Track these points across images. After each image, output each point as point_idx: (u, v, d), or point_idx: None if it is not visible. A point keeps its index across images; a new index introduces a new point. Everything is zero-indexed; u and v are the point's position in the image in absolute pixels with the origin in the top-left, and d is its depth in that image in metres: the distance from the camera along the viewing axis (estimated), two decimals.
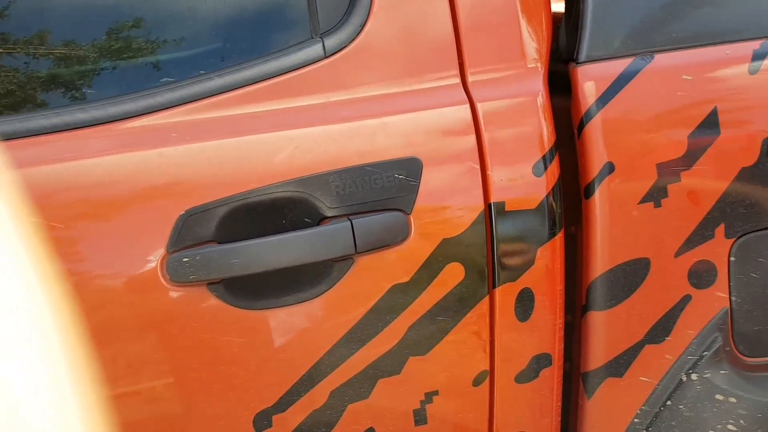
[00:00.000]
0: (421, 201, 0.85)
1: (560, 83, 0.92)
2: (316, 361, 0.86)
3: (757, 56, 0.91)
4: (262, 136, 0.82)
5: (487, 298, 0.89)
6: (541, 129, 0.87)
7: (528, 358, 0.93)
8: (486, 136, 0.86)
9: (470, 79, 0.88)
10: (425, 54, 0.87)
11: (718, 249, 0.93)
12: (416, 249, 0.85)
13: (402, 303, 0.86)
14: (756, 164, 0.92)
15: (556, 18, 0.94)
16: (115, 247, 0.79)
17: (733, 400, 0.98)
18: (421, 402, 0.91)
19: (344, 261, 0.84)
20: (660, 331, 0.95)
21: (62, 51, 0.85)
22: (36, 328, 0.33)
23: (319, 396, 0.87)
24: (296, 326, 0.85)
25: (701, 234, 0.92)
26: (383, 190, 0.83)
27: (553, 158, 0.88)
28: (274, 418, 0.86)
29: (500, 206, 0.87)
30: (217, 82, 0.82)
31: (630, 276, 0.92)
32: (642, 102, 0.89)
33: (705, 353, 0.97)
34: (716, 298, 0.95)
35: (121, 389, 0.81)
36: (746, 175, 0.92)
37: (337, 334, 0.86)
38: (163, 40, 0.86)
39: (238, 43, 0.86)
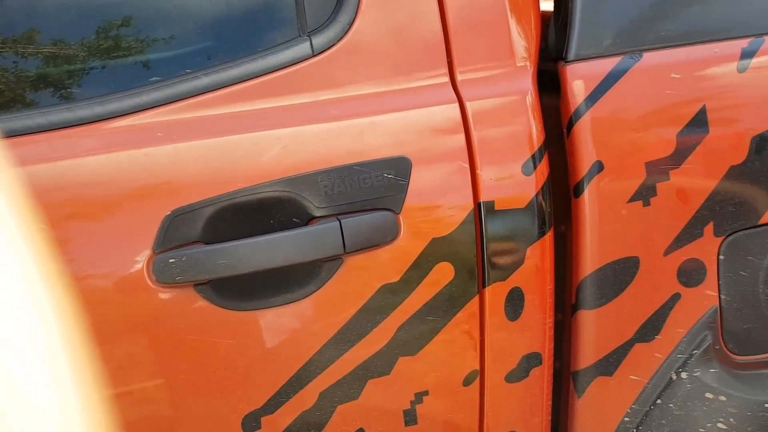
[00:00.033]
0: (411, 200, 0.84)
1: (549, 82, 0.92)
2: (305, 362, 0.85)
3: (746, 54, 0.91)
4: (250, 136, 0.81)
5: (476, 298, 0.89)
6: (531, 128, 0.87)
7: (518, 358, 0.93)
8: (475, 135, 0.86)
9: (459, 77, 0.87)
10: (414, 53, 0.86)
11: (707, 247, 0.93)
12: (406, 249, 0.85)
13: (391, 303, 0.86)
14: (745, 162, 0.92)
15: (545, 17, 0.93)
16: (100, 248, 0.78)
17: (722, 398, 0.98)
18: (411, 402, 0.91)
19: (333, 261, 0.83)
20: (649, 329, 0.95)
21: (47, 50, 0.84)
22: (30, 327, 0.32)
23: (308, 397, 0.86)
24: (285, 327, 0.84)
25: (690, 232, 0.92)
26: (372, 190, 0.83)
27: (542, 157, 0.88)
28: (263, 419, 0.85)
29: (490, 205, 0.86)
30: (204, 80, 0.81)
31: (619, 275, 0.92)
32: (631, 101, 0.89)
33: (695, 352, 0.97)
34: (705, 297, 0.95)
35: (107, 391, 0.80)
36: (735, 173, 0.92)
37: (327, 334, 0.85)
38: (149, 39, 0.85)
39: (225, 41, 0.85)
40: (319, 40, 0.84)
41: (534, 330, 0.92)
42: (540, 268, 0.90)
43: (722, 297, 0.96)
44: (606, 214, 0.90)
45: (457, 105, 0.86)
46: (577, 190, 0.90)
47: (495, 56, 0.88)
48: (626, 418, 0.99)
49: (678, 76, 0.90)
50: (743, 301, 0.96)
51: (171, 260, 0.77)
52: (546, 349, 0.94)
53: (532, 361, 0.93)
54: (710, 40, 0.92)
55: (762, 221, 0.94)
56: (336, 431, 0.89)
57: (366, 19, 0.84)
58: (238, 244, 0.79)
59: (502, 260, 0.89)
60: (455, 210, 0.86)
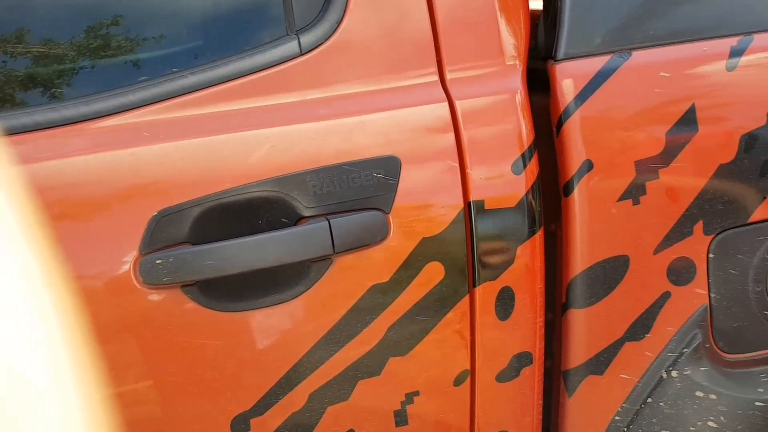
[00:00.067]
0: (400, 200, 0.84)
1: (539, 81, 0.92)
2: (294, 364, 0.84)
3: (735, 53, 0.92)
4: (237, 135, 0.80)
5: (467, 297, 0.88)
6: (520, 127, 0.87)
7: (509, 357, 0.92)
8: (465, 134, 0.85)
9: (448, 76, 0.87)
10: (403, 51, 0.86)
11: (696, 246, 0.94)
12: (395, 248, 0.84)
13: (381, 303, 0.86)
14: (734, 161, 0.92)
15: (534, 15, 0.93)
16: (86, 249, 0.77)
17: (713, 396, 0.98)
18: (402, 403, 0.90)
19: (322, 261, 0.83)
20: (640, 328, 0.95)
21: (31, 49, 0.83)
22: (23, 325, 0.32)
23: (297, 398, 0.86)
24: (274, 328, 0.83)
25: (680, 231, 0.93)
26: (361, 189, 0.82)
27: (532, 156, 0.87)
28: (252, 421, 0.85)
29: (480, 204, 0.86)
30: (191, 79, 0.80)
31: (609, 273, 0.92)
32: (620, 99, 0.89)
33: (685, 350, 0.97)
34: (695, 295, 0.95)
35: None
36: (724, 171, 0.92)
37: (316, 335, 0.85)
38: (135, 38, 0.84)
39: (212, 40, 0.85)
40: (307, 39, 0.83)
41: (525, 329, 0.92)
42: (530, 267, 0.90)
43: (712, 295, 0.96)
44: (596, 213, 0.90)
45: (446, 104, 0.86)
46: (567, 189, 0.90)
47: (484, 55, 0.88)
48: (617, 417, 0.99)
49: (667, 74, 0.90)
50: (733, 300, 0.97)
51: (158, 261, 0.76)
52: (537, 348, 0.93)
53: (522, 360, 0.93)
54: (699, 38, 0.92)
55: (751, 219, 0.95)
56: None
57: (354, 18, 0.84)
58: (226, 245, 0.78)
59: (493, 259, 0.89)
60: (445, 209, 0.86)
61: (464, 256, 0.87)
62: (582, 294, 0.93)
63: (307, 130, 0.82)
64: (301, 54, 0.83)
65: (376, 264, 0.84)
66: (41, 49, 0.83)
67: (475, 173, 0.85)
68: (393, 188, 0.83)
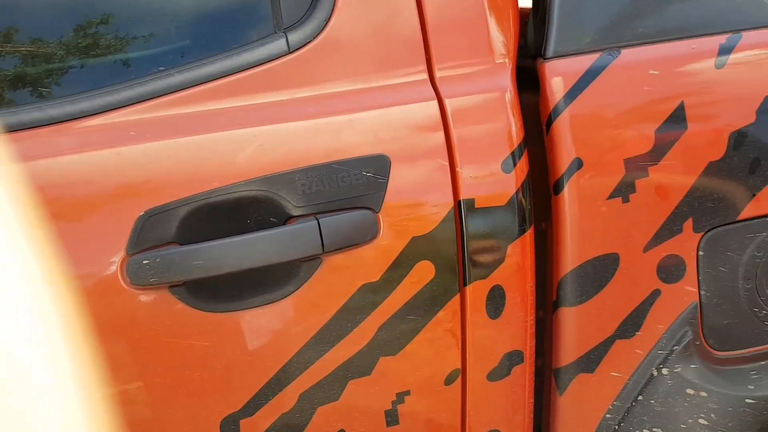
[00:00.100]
0: (390, 199, 0.83)
1: (528, 79, 0.91)
2: (284, 364, 0.84)
3: (723, 50, 0.92)
4: (225, 134, 0.80)
5: (458, 296, 0.88)
6: (510, 125, 0.87)
7: (500, 356, 0.92)
8: (454, 132, 0.85)
9: (438, 74, 0.87)
10: (392, 49, 0.85)
11: (686, 243, 0.94)
12: (386, 247, 0.84)
13: (372, 302, 0.85)
14: (723, 158, 0.92)
15: (523, 13, 0.93)
16: (72, 250, 0.76)
17: (703, 394, 0.98)
18: (393, 402, 0.90)
19: (312, 261, 0.82)
20: (630, 326, 0.95)
21: (18, 49, 0.82)
22: (30, 326, 0.32)
23: (287, 399, 0.85)
24: (263, 328, 0.83)
25: (669, 229, 0.93)
26: (351, 188, 0.82)
27: (522, 154, 0.87)
28: (242, 422, 0.84)
29: (470, 203, 0.86)
30: (178, 78, 0.80)
31: (599, 271, 0.92)
32: (609, 97, 0.89)
33: (675, 348, 0.97)
34: (685, 293, 0.96)
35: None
36: (714, 169, 0.92)
37: (306, 335, 0.84)
38: (121, 36, 0.83)
39: (199, 38, 0.84)
40: (295, 37, 0.82)
41: (515, 328, 0.91)
42: (521, 265, 0.89)
43: (702, 293, 0.96)
44: (586, 211, 0.90)
45: (436, 102, 0.85)
46: (557, 187, 0.90)
47: (474, 53, 0.88)
48: (608, 415, 0.99)
49: (656, 72, 0.90)
50: (723, 297, 0.97)
51: (145, 262, 0.76)
52: (527, 346, 0.93)
53: (513, 359, 0.93)
54: (688, 36, 0.92)
55: (741, 217, 0.95)
56: None
57: (343, 16, 0.83)
58: (214, 245, 0.78)
59: (483, 258, 0.88)
60: (435, 208, 0.85)
61: (455, 254, 0.86)
62: (572, 292, 0.93)
63: (295, 129, 0.82)
64: (290, 52, 0.82)
65: (366, 263, 0.84)
66: (26, 48, 0.82)
67: (465, 172, 0.85)
68: (382, 187, 0.83)
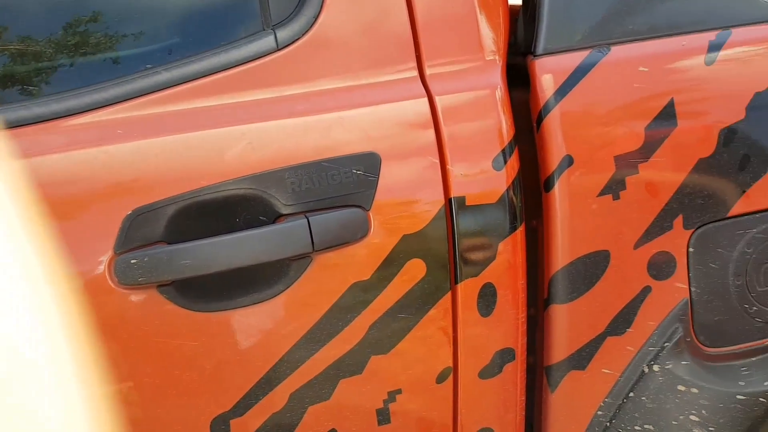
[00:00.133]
0: (381, 197, 0.83)
1: (519, 76, 0.91)
2: (274, 363, 0.83)
3: (713, 47, 0.92)
4: (213, 132, 0.79)
5: (449, 294, 0.88)
6: (500, 122, 0.87)
7: (491, 354, 0.92)
8: (445, 130, 0.85)
9: (428, 72, 0.86)
10: (382, 47, 0.85)
11: (676, 240, 0.94)
12: (376, 246, 0.84)
13: (363, 301, 0.85)
14: (713, 155, 0.92)
15: (513, 10, 0.93)
16: (60, 249, 0.76)
17: (695, 390, 0.98)
18: (384, 401, 0.89)
19: (302, 259, 0.82)
20: (621, 322, 0.95)
21: (5, 47, 0.81)
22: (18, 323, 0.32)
23: (278, 399, 0.85)
24: (253, 328, 0.82)
25: (660, 225, 0.93)
26: (341, 186, 0.82)
27: (512, 152, 0.87)
28: (232, 422, 0.84)
29: (461, 201, 0.86)
30: (165, 76, 0.79)
31: (590, 268, 0.92)
32: (599, 94, 0.89)
33: (666, 344, 0.97)
34: (676, 289, 0.96)
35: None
36: (703, 166, 0.92)
37: (296, 334, 0.84)
38: (108, 34, 0.82)
39: (187, 35, 0.83)
40: (283, 34, 0.82)
41: (507, 325, 0.91)
42: (512, 263, 0.89)
43: (692, 289, 0.96)
44: (576, 209, 0.90)
45: (426, 99, 0.85)
46: (548, 185, 0.90)
47: (464, 50, 0.87)
48: (599, 412, 0.99)
49: (646, 69, 0.90)
50: (713, 294, 0.97)
51: (132, 261, 0.75)
52: (519, 344, 0.93)
53: (505, 356, 0.93)
54: (678, 33, 0.92)
55: (731, 213, 0.95)
56: None
57: (332, 13, 0.83)
58: (203, 244, 0.77)
59: (474, 256, 0.88)
60: (426, 206, 0.85)
61: (446, 252, 0.86)
62: (563, 289, 0.93)
63: (284, 127, 0.81)
64: (278, 49, 0.82)
65: (357, 261, 0.84)
66: (13, 46, 0.81)
67: (455, 169, 0.85)
68: (373, 185, 0.83)
